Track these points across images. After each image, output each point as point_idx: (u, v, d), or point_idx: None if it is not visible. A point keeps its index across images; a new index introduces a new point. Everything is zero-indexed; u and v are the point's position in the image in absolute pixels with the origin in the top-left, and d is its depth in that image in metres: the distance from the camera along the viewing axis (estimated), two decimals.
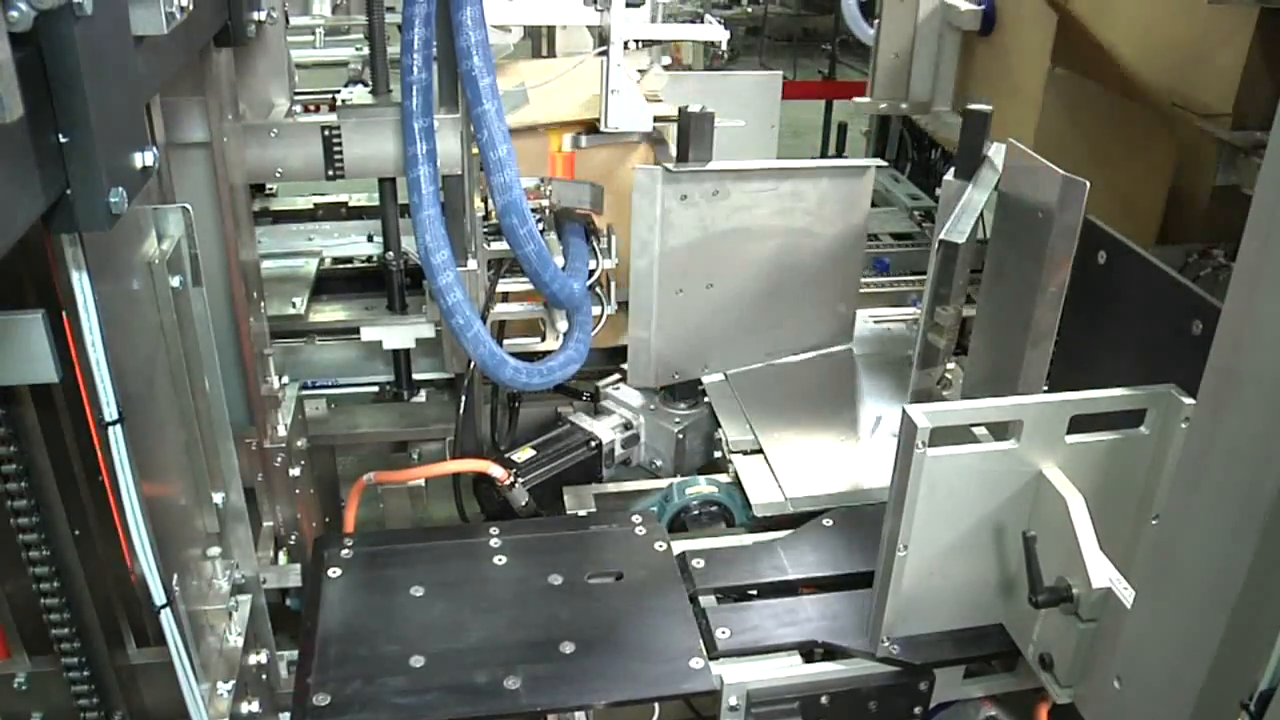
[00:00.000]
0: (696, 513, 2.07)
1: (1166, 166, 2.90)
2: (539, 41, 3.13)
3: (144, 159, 1.01)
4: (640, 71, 2.61)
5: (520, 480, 2.16)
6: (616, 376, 2.48)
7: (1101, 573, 1.42)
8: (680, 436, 2.33)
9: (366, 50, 2.42)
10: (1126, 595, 1.37)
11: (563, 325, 2.37)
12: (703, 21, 2.73)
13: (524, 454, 2.24)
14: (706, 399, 2.38)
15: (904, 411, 1.48)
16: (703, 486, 2.09)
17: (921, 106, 3.26)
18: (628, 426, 2.38)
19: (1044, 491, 1.53)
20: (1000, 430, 1.56)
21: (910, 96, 3.25)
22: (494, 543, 1.86)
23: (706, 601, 1.78)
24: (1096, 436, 1.55)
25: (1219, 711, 1.13)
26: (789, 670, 1.66)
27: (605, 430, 2.34)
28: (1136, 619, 1.29)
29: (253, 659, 1.55)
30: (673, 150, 2.23)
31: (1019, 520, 1.56)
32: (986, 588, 1.64)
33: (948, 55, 3.19)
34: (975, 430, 1.65)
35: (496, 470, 2.13)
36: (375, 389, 2.56)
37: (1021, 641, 1.64)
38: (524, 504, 2.16)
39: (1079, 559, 1.44)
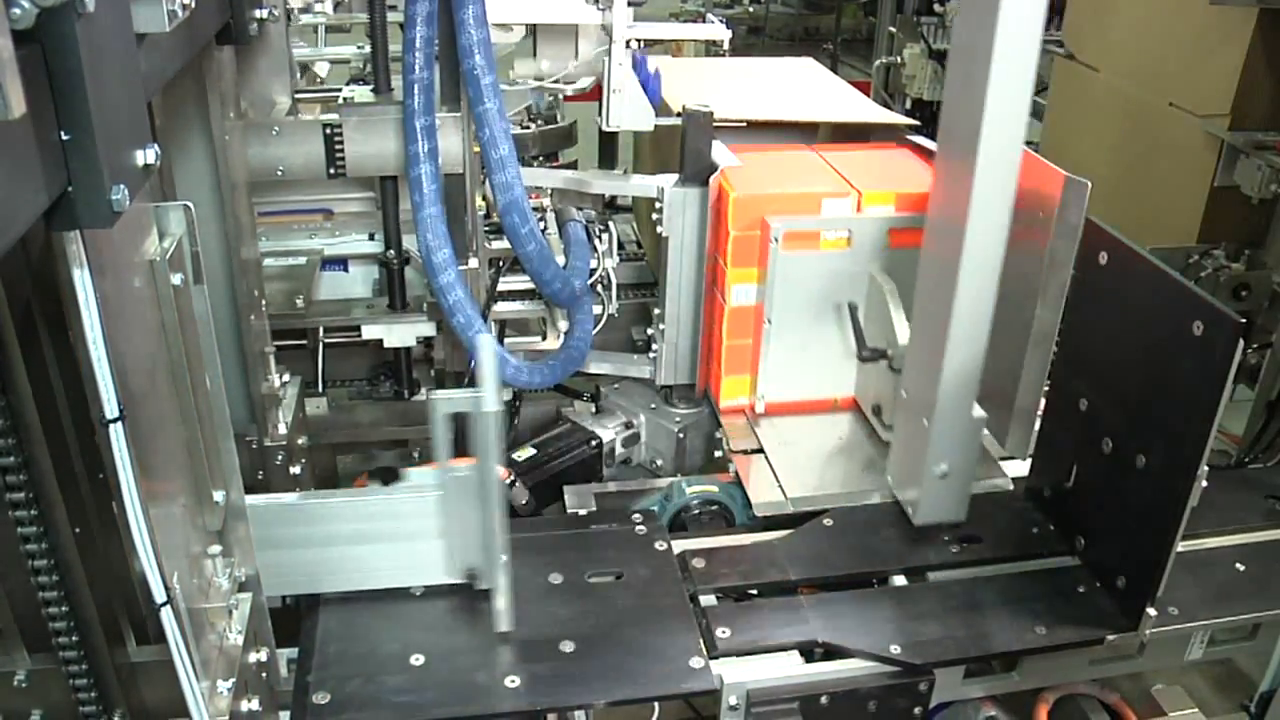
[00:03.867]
0: (697, 512, 2.07)
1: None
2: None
3: (145, 157, 1.01)
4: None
5: (521, 479, 2.16)
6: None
7: (905, 334, 1.95)
8: (681, 436, 2.33)
9: (368, 49, 2.42)
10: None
11: (563, 324, 2.37)
12: (705, 21, 2.73)
13: (524, 453, 2.24)
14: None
15: (764, 220, 2.06)
16: (703, 486, 2.09)
17: None
18: (628, 426, 2.38)
19: (871, 284, 2.13)
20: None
21: None
22: None
23: (707, 601, 1.78)
24: (908, 249, 2.02)
25: (958, 400, 1.79)
26: (789, 670, 1.66)
27: (606, 429, 2.34)
28: (911, 349, 1.92)
29: (253, 657, 1.54)
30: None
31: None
32: (838, 361, 2.23)
33: None
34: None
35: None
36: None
37: (864, 400, 2.25)
38: (524, 503, 2.16)
39: (891, 327, 2.01)
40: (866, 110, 2.66)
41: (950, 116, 1.72)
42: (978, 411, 1.82)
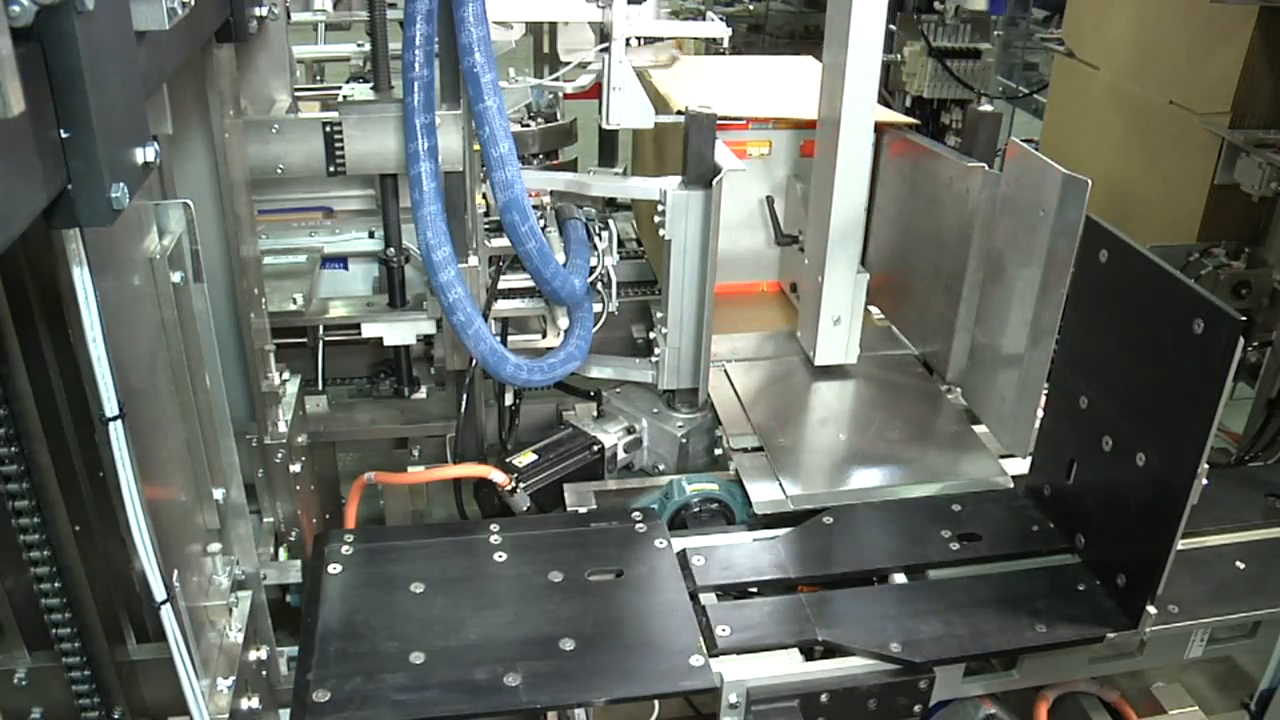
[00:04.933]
0: (697, 510, 2.06)
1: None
2: (540, 38, 3.13)
3: (145, 154, 1.01)
4: None
5: (522, 486, 2.15)
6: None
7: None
8: (683, 441, 2.33)
9: (368, 46, 2.42)
10: None
11: (564, 322, 2.37)
12: (705, 18, 2.73)
13: (525, 458, 2.22)
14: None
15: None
16: (703, 484, 2.09)
17: None
18: (630, 430, 2.37)
19: (788, 184, 2.69)
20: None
21: None
22: (494, 539, 1.86)
23: (707, 599, 1.78)
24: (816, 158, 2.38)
25: (844, 266, 2.31)
26: (789, 668, 1.66)
27: (608, 434, 2.33)
28: (809, 227, 2.42)
29: (253, 655, 1.55)
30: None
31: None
32: (762, 248, 2.78)
33: None
34: None
35: (498, 476, 2.13)
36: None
37: (783, 280, 2.81)
38: (525, 509, 2.15)
39: (803, 218, 2.48)
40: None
41: (829, 34, 2.23)
42: (862, 272, 2.36)
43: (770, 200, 2.65)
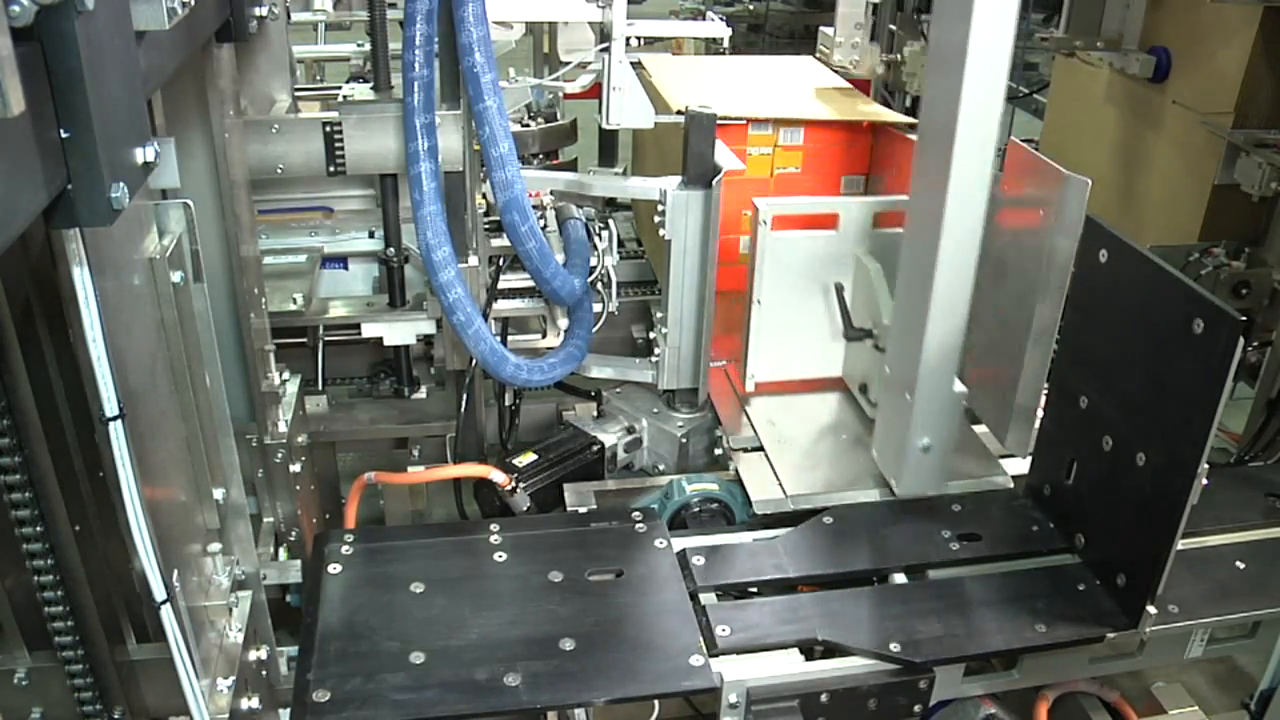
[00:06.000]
0: (697, 510, 2.06)
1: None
2: (540, 38, 3.13)
3: (145, 154, 1.01)
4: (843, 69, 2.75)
5: (522, 486, 2.15)
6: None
7: (890, 314, 1.99)
8: (683, 441, 2.33)
9: (368, 46, 2.42)
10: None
11: (564, 322, 2.37)
12: (705, 18, 2.73)
13: (525, 458, 2.22)
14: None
15: (754, 201, 2.12)
16: (703, 484, 2.08)
17: (1113, 43, 3.23)
18: (631, 430, 2.37)
19: (856, 265, 2.18)
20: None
21: (1102, 33, 3.22)
22: (494, 539, 1.86)
23: (707, 599, 1.78)
24: (894, 230, 2.08)
25: (939, 376, 1.86)
26: (789, 668, 1.66)
27: (608, 434, 2.33)
28: (894, 324, 1.97)
29: (253, 655, 1.55)
30: None
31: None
32: (824, 339, 2.28)
33: None
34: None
35: (498, 476, 2.13)
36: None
37: (851, 380, 2.31)
38: (525, 509, 2.15)
39: (876, 307, 2.08)
40: (865, 108, 2.66)
41: (929, 107, 1.79)
42: (958, 386, 1.88)
43: (840, 288, 2.18)
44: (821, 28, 2.84)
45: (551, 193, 2.46)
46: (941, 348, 1.84)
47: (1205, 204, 3.06)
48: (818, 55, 3.01)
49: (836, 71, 2.93)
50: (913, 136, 2.48)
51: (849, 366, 2.31)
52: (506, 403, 2.56)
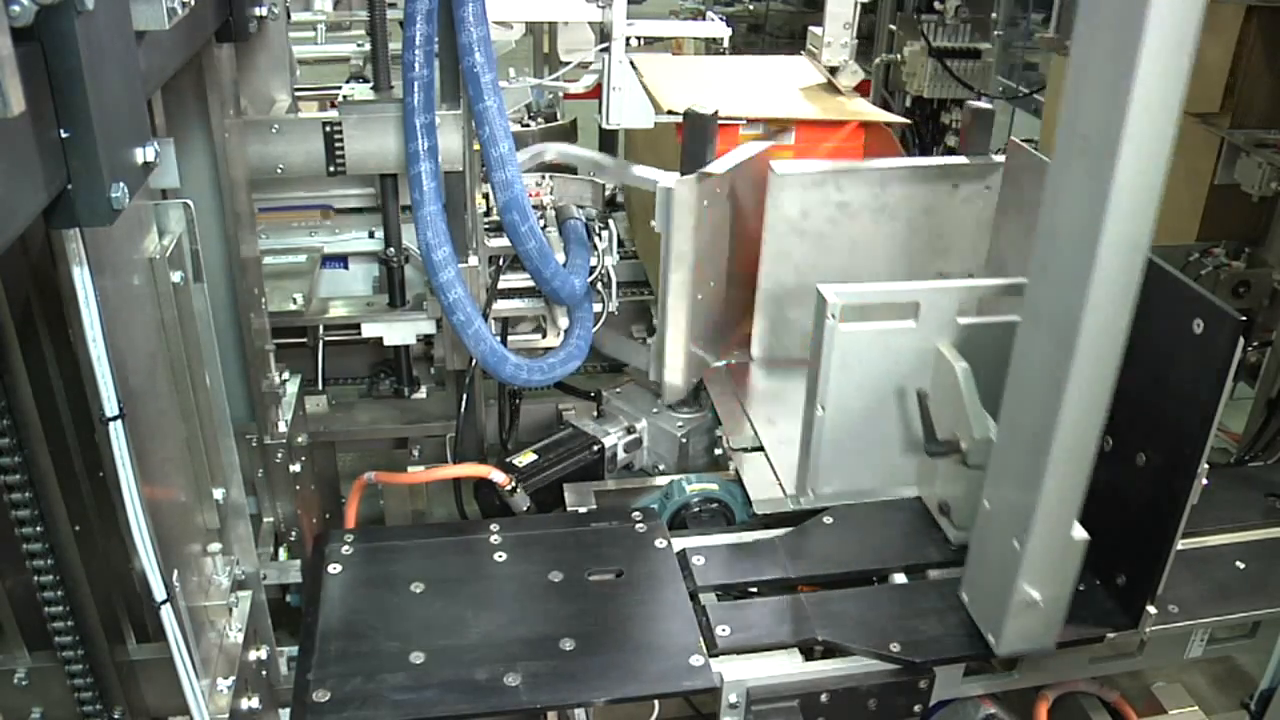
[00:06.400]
0: (697, 510, 2.06)
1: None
2: (540, 38, 3.14)
3: (145, 154, 1.01)
4: (833, 70, 2.65)
5: (522, 485, 2.16)
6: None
7: (983, 426, 1.68)
8: (683, 440, 2.33)
9: (368, 46, 2.42)
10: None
11: (564, 322, 2.37)
12: (705, 18, 2.73)
13: (525, 458, 2.23)
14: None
15: (818, 290, 1.77)
16: (703, 484, 2.08)
17: None
18: (630, 430, 2.37)
19: (939, 362, 1.79)
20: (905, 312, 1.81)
21: None
22: (494, 539, 1.86)
23: (707, 599, 1.78)
24: (982, 320, 1.80)
25: (1058, 520, 1.48)
26: (789, 668, 1.66)
27: (608, 434, 2.33)
28: (998, 450, 1.59)
29: (253, 655, 1.55)
30: None
31: (920, 387, 1.81)
32: (896, 448, 1.91)
33: None
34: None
35: (498, 475, 2.13)
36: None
37: (927, 495, 1.93)
38: (525, 509, 2.16)
39: (965, 416, 1.71)
40: (856, 108, 2.65)
41: (1062, 173, 1.34)
42: (1079, 532, 1.49)
43: (924, 397, 1.82)
44: (811, 28, 2.83)
45: (552, 190, 2.46)
46: (1065, 482, 1.43)
47: (1203, 204, 3.06)
48: (807, 54, 2.99)
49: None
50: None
51: (926, 480, 1.94)
52: (507, 403, 2.56)
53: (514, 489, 2.13)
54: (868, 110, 2.64)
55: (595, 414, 2.45)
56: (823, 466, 1.89)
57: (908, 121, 2.59)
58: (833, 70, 2.69)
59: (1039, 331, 1.43)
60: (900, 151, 2.58)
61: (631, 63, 2.39)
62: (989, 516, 1.60)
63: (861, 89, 2.81)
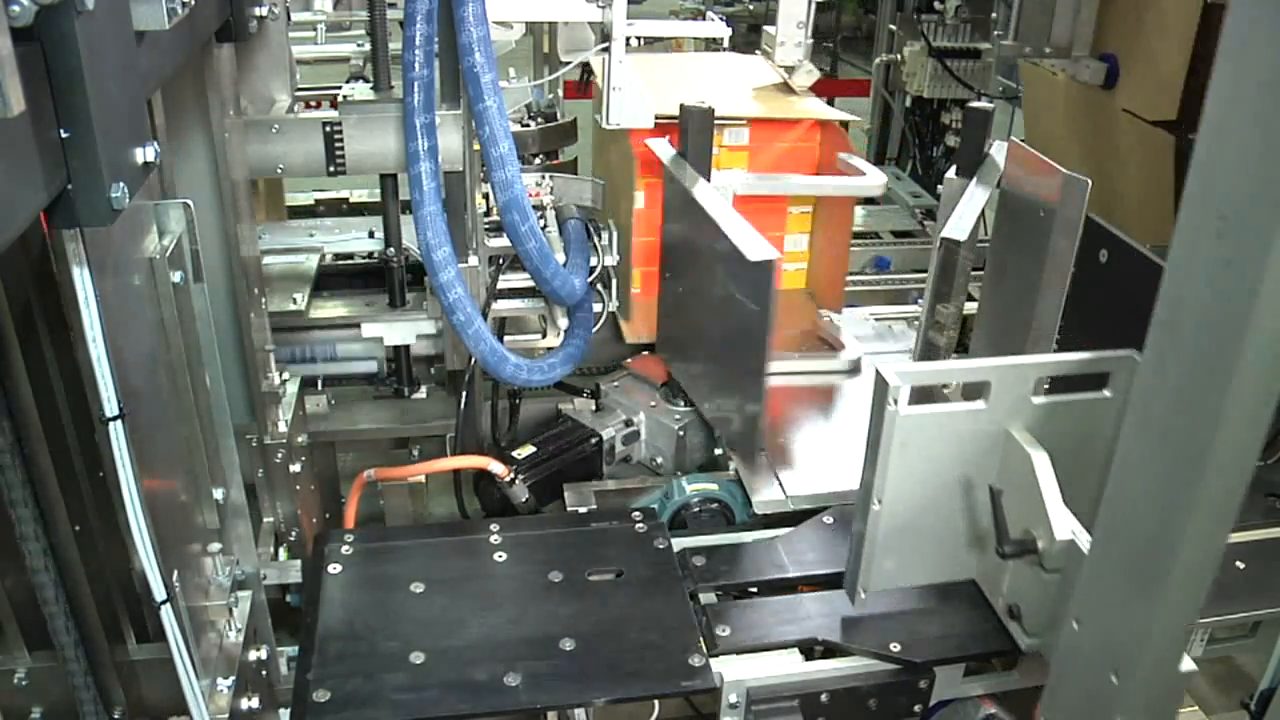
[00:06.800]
0: (697, 510, 2.07)
1: None
2: (540, 38, 3.13)
3: (145, 154, 1.01)
4: (787, 69, 2.63)
5: (520, 477, 2.16)
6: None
7: (1064, 525, 1.48)
8: (681, 434, 2.33)
9: (368, 46, 2.42)
10: (1087, 545, 1.41)
11: (563, 322, 2.37)
12: (705, 18, 2.73)
13: (524, 451, 2.24)
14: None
15: (876, 370, 1.53)
16: (703, 484, 2.09)
17: (1062, 51, 3.19)
18: (628, 423, 2.38)
19: (1011, 450, 1.57)
20: (971, 391, 1.60)
21: (1051, 40, 3.18)
22: (494, 539, 1.86)
23: (707, 598, 1.78)
24: (1062, 398, 1.58)
25: (1167, 649, 1.27)
26: (789, 668, 1.66)
27: (606, 427, 2.34)
28: (1093, 562, 1.36)
29: (253, 655, 1.55)
30: None
31: (988, 476, 1.60)
32: (959, 542, 1.68)
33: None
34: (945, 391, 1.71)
35: (497, 467, 2.13)
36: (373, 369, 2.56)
37: (992, 594, 1.70)
38: (524, 500, 2.16)
39: (1043, 513, 1.50)
40: (810, 107, 2.63)
41: (1195, 210, 1.07)
42: (1187, 664, 1.31)
43: (998, 494, 1.57)
44: (765, 27, 2.80)
45: (552, 189, 2.46)
46: (1179, 611, 1.23)
47: (1171, 210, 3.03)
48: (762, 53, 2.96)
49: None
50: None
51: (989, 578, 1.70)
52: (506, 402, 2.56)
53: (513, 480, 2.14)
54: (822, 109, 2.62)
55: (594, 408, 2.46)
56: (876, 564, 1.66)
57: (858, 120, 2.55)
58: (789, 70, 2.66)
59: (1152, 442, 1.18)
60: (853, 149, 2.56)
61: (586, 63, 2.37)
62: (1077, 640, 1.38)
63: (816, 88, 2.78)
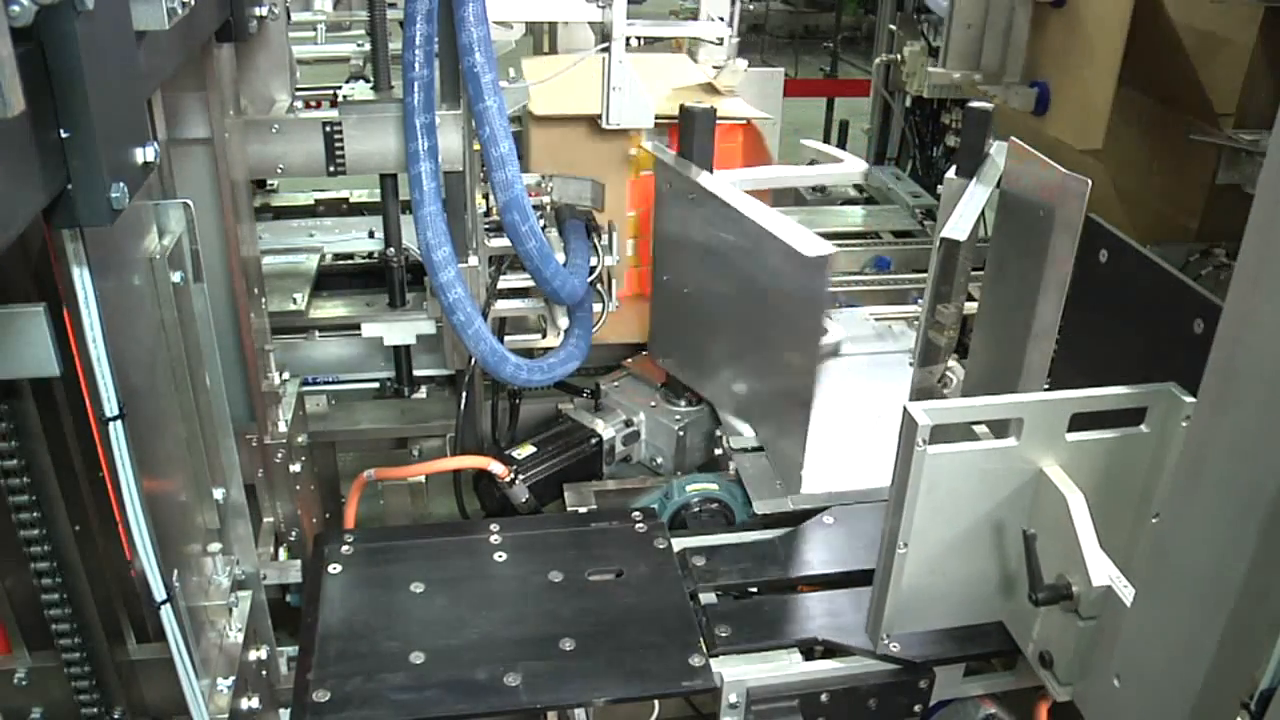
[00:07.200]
0: (697, 510, 2.07)
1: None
2: (540, 38, 3.13)
3: (145, 154, 1.01)
4: (716, 68, 2.62)
5: (520, 477, 2.16)
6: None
7: (1101, 571, 1.43)
8: (681, 434, 2.33)
9: (368, 46, 2.42)
10: (1126, 593, 1.38)
11: (564, 322, 2.37)
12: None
13: (524, 451, 2.24)
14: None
15: (904, 409, 1.48)
16: (703, 484, 2.09)
17: (993, 77, 3.19)
18: (628, 424, 2.38)
19: (1044, 489, 1.52)
20: (1000, 427, 1.56)
21: (982, 67, 3.17)
22: (494, 539, 1.86)
23: (707, 599, 1.78)
24: (1097, 435, 1.54)
25: (1218, 711, 1.17)
26: (789, 668, 1.66)
27: (606, 427, 2.34)
28: (1136, 617, 1.30)
29: (253, 655, 1.55)
30: None
31: (1019, 518, 1.56)
32: (986, 585, 1.63)
33: (1019, 26, 3.11)
34: (975, 427, 1.67)
35: (497, 467, 2.13)
36: (376, 385, 2.57)
37: (1021, 639, 1.64)
38: (524, 501, 2.17)
39: (1079, 557, 1.44)
40: (731, 108, 2.58)
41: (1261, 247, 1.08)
42: None
43: (1031, 540, 1.50)
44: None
45: (551, 190, 2.46)
46: (1233, 673, 1.15)
47: (1205, 204, 3.04)
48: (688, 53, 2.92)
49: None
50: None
51: (1022, 622, 1.62)
52: (507, 402, 2.56)
53: (513, 480, 2.14)
54: (743, 110, 2.60)
55: (594, 407, 2.46)
56: (901, 610, 1.61)
57: (768, 117, 2.52)
58: (717, 69, 2.65)
59: (1205, 493, 1.12)
60: (771, 157, 2.53)
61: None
62: (1120, 699, 1.32)
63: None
